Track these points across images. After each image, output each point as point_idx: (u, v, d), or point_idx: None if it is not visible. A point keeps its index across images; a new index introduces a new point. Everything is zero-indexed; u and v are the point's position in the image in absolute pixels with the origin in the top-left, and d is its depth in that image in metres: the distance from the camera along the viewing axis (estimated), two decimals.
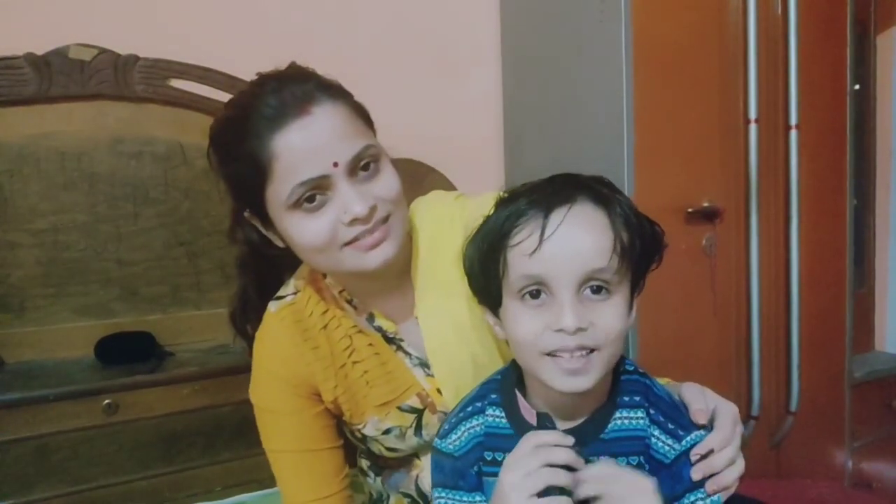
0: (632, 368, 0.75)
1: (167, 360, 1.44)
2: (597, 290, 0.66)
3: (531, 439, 0.67)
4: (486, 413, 0.76)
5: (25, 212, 1.43)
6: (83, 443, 1.28)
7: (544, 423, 0.70)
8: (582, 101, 1.60)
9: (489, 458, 0.73)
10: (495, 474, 0.68)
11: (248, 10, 1.66)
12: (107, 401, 1.28)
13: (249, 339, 0.95)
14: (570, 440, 0.66)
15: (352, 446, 0.98)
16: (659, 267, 0.73)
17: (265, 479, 1.00)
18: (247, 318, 0.97)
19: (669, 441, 0.69)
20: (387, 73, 1.77)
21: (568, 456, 0.64)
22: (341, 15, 1.75)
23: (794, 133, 1.66)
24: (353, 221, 0.77)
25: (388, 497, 0.99)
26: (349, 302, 0.91)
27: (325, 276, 0.92)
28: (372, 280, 0.84)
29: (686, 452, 0.69)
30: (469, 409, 0.78)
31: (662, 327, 1.52)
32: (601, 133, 1.53)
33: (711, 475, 0.69)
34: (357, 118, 0.81)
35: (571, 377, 0.65)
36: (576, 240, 0.66)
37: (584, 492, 0.64)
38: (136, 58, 1.49)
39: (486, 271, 0.71)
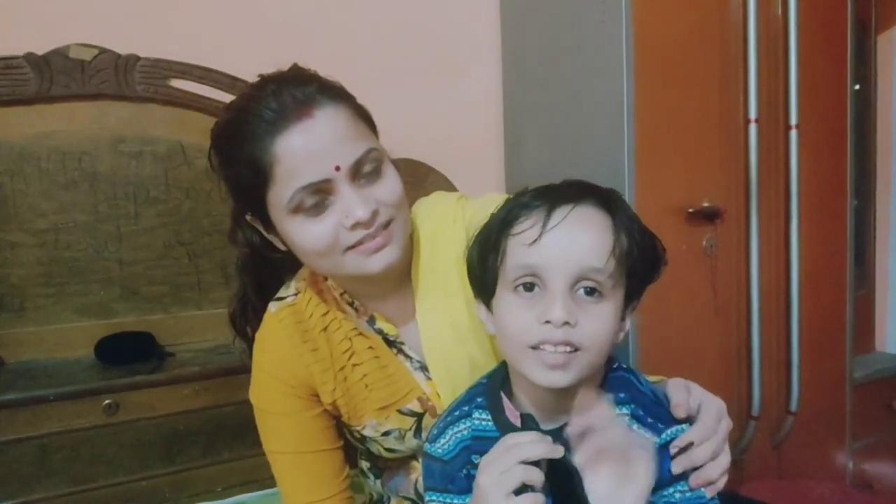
0: (616, 365, 0.76)
1: (168, 361, 1.44)
2: (590, 292, 0.67)
3: (506, 440, 0.67)
4: (473, 416, 0.76)
5: (26, 211, 1.43)
6: (84, 443, 1.28)
7: (528, 424, 0.70)
8: (582, 100, 1.60)
9: (477, 462, 0.72)
10: None
11: (248, 10, 1.66)
12: (107, 401, 1.28)
13: (249, 341, 0.94)
14: (548, 440, 0.66)
15: (352, 447, 0.98)
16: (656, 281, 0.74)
17: (266, 479, 1.00)
18: (246, 319, 0.96)
19: (648, 434, 0.69)
20: (387, 73, 1.77)
21: (541, 451, 0.64)
22: (341, 15, 1.75)
23: (794, 133, 1.66)
24: (356, 226, 0.76)
25: (389, 499, 0.99)
26: (350, 304, 0.91)
27: (325, 278, 0.91)
28: (373, 283, 0.84)
29: (664, 446, 0.69)
30: (456, 413, 0.78)
31: (663, 327, 1.52)
32: (601, 133, 1.53)
33: (695, 469, 0.69)
34: (359, 121, 0.80)
35: (551, 371, 0.66)
36: (576, 236, 0.66)
37: (584, 452, 0.64)
38: (137, 58, 1.49)
39: (484, 260, 0.72)
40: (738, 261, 1.64)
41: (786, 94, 1.66)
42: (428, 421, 0.89)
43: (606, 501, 0.62)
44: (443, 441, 0.77)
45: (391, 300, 0.89)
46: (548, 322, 0.65)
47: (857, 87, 1.92)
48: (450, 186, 1.77)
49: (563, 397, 0.70)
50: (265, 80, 0.80)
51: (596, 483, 0.63)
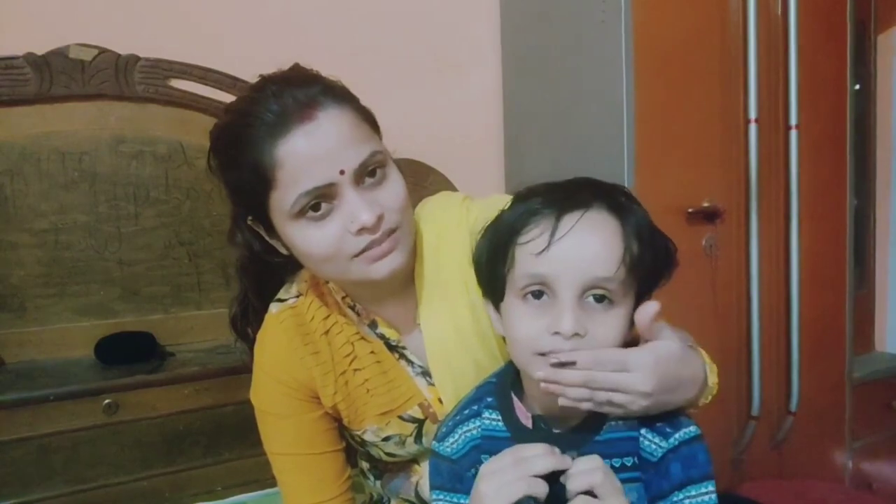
0: None
1: (168, 360, 1.44)
2: (599, 299, 0.66)
3: (514, 452, 0.67)
4: (483, 416, 0.75)
5: (26, 212, 1.43)
6: (84, 443, 1.28)
7: (539, 425, 0.70)
8: (582, 101, 1.60)
9: (486, 461, 0.72)
10: None
11: (248, 10, 1.66)
12: (107, 401, 1.28)
13: (250, 342, 0.93)
14: (556, 452, 0.65)
15: (353, 447, 0.98)
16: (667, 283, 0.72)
17: (266, 478, 1.00)
18: (247, 321, 0.95)
19: (657, 439, 0.69)
20: (387, 73, 1.77)
21: (551, 465, 0.64)
22: (341, 14, 1.75)
23: (794, 133, 1.66)
24: (361, 231, 0.75)
25: (389, 500, 0.98)
26: (352, 308, 0.89)
27: (327, 281, 0.90)
28: (376, 287, 0.83)
29: (673, 450, 0.68)
30: (465, 411, 0.77)
31: None
32: (601, 133, 1.53)
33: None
34: (363, 123, 0.78)
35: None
36: (585, 245, 0.65)
37: (575, 486, 0.64)
38: (137, 58, 1.49)
39: (492, 264, 0.71)
40: (738, 261, 1.64)
41: (786, 94, 1.66)
42: (429, 427, 0.88)
43: None
44: (451, 440, 0.76)
45: (393, 305, 0.88)
46: (557, 333, 0.65)
47: (857, 87, 1.92)
48: (450, 186, 1.77)
49: None
50: (265, 81, 0.78)
51: None
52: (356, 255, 0.76)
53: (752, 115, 1.60)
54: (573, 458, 0.66)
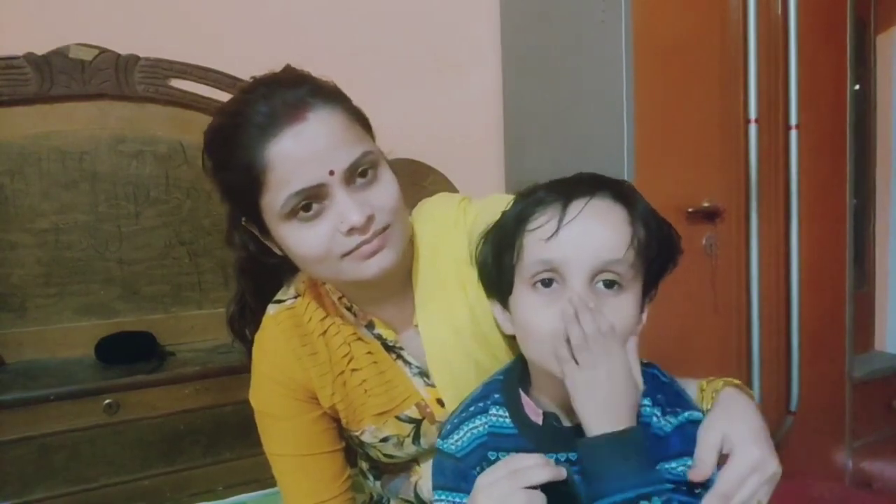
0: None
1: (168, 360, 1.44)
2: (609, 285, 0.66)
3: (508, 463, 0.67)
4: (490, 412, 0.75)
5: (27, 211, 1.43)
6: (84, 442, 1.28)
7: (551, 422, 0.70)
8: (582, 100, 1.60)
9: (493, 459, 0.72)
10: None
11: (248, 10, 1.66)
12: (108, 400, 1.28)
13: (248, 343, 0.93)
14: (551, 463, 0.65)
15: (353, 447, 0.98)
16: (672, 272, 0.73)
17: (267, 478, 1.00)
18: (245, 322, 0.95)
19: (666, 418, 0.69)
20: (387, 73, 1.77)
21: (546, 476, 0.64)
22: (341, 14, 1.75)
23: (794, 133, 1.66)
24: (351, 231, 0.74)
25: (389, 501, 0.98)
26: (349, 309, 0.89)
27: (324, 282, 0.90)
28: (371, 288, 0.82)
29: (680, 426, 0.68)
30: (472, 408, 0.77)
31: (663, 327, 1.51)
32: (601, 133, 1.53)
33: None
34: (354, 123, 0.78)
35: None
36: (593, 229, 0.66)
37: None
38: (137, 58, 1.49)
39: (499, 259, 0.71)
40: (738, 260, 1.65)
41: (786, 94, 1.66)
42: (426, 428, 0.88)
43: None
44: (457, 437, 0.76)
45: (390, 305, 0.88)
46: None
47: (857, 87, 1.92)
48: (450, 186, 1.78)
49: None
50: (256, 83, 0.77)
51: None
52: (346, 255, 0.76)
53: (752, 115, 1.60)
54: (567, 469, 0.66)
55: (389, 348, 0.89)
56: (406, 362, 0.89)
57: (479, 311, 0.83)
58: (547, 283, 0.67)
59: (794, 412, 1.73)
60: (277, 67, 0.81)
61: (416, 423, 0.88)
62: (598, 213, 0.67)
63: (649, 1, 1.47)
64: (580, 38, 1.58)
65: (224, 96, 1.52)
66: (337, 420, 0.92)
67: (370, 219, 0.75)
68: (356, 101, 0.81)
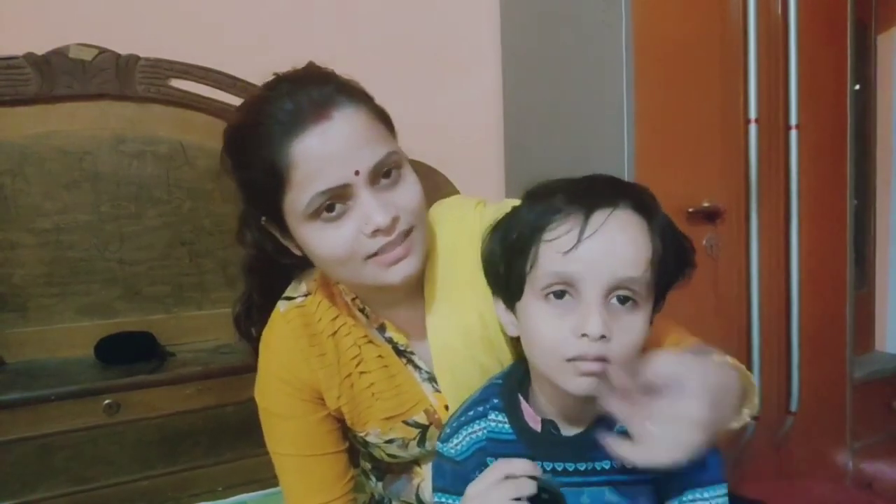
0: None
1: (169, 360, 1.44)
2: (623, 301, 0.65)
3: (495, 469, 0.66)
4: (489, 418, 0.75)
5: (28, 211, 1.43)
6: (85, 443, 1.28)
7: (549, 429, 0.70)
8: (582, 101, 1.60)
9: (491, 464, 0.72)
10: None
11: (249, 10, 1.66)
12: (108, 401, 1.28)
13: (255, 342, 0.93)
14: (538, 470, 0.65)
15: (355, 448, 0.98)
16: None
17: (268, 478, 1.00)
18: (251, 321, 0.94)
19: None
20: (387, 73, 1.76)
21: (533, 485, 0.64)
22: (341, 15, 1.75)
23: (794, 133, 1.66)
24: (376, 232, 0.73)
25: (390, 501, 0.98)
26: (361, 310, 0.88)
27: (337, 282, 0.88)
28: (388, 291, 0.81)
29: None
30: (471, 412, 0.76)
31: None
32: (601, 133, 1.53)
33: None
34: (378, 122, 0.77)
35: (583, 378, 0.64)
36: (613, 244, 0.64)
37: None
38: (137, 58, 1.49)
39: (510, 262, 0.69)
40: (738, 260, 1.65)
41: (786, 94, 1.66)
42: (432, 432, 0.87)
43: None
44: (456, 441, 0.76)
45: (403, 309, 0.87)
46: (584, 335, 0.63)
47: (857, 87, 1.92)
48: (450, 186, 1.77)
49: (588, 402, 0.67)
50: (279, 80, 0.76)
51: None
52: (370, 257, 0.75)
53: (752, 115, 1.60)
54: (550, 481, 0.66)
55: (400, 352, 0.89)
56: (416, 367, 0.88)
57: (490, 316, 0.82)
58: (559, 294, 0.65)
59: (795, 413, 1.73)
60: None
61: (423, 428, 0.88)
62: (619, 227, 0.64)
63: (650, 1, 1.47)
64: (580, 39, 1.58)
65: (224, 96, 1.52)
66: (342, 421, 0.91)
67: (395, 220, 0.74)
68: (378, 103, 0.80)
